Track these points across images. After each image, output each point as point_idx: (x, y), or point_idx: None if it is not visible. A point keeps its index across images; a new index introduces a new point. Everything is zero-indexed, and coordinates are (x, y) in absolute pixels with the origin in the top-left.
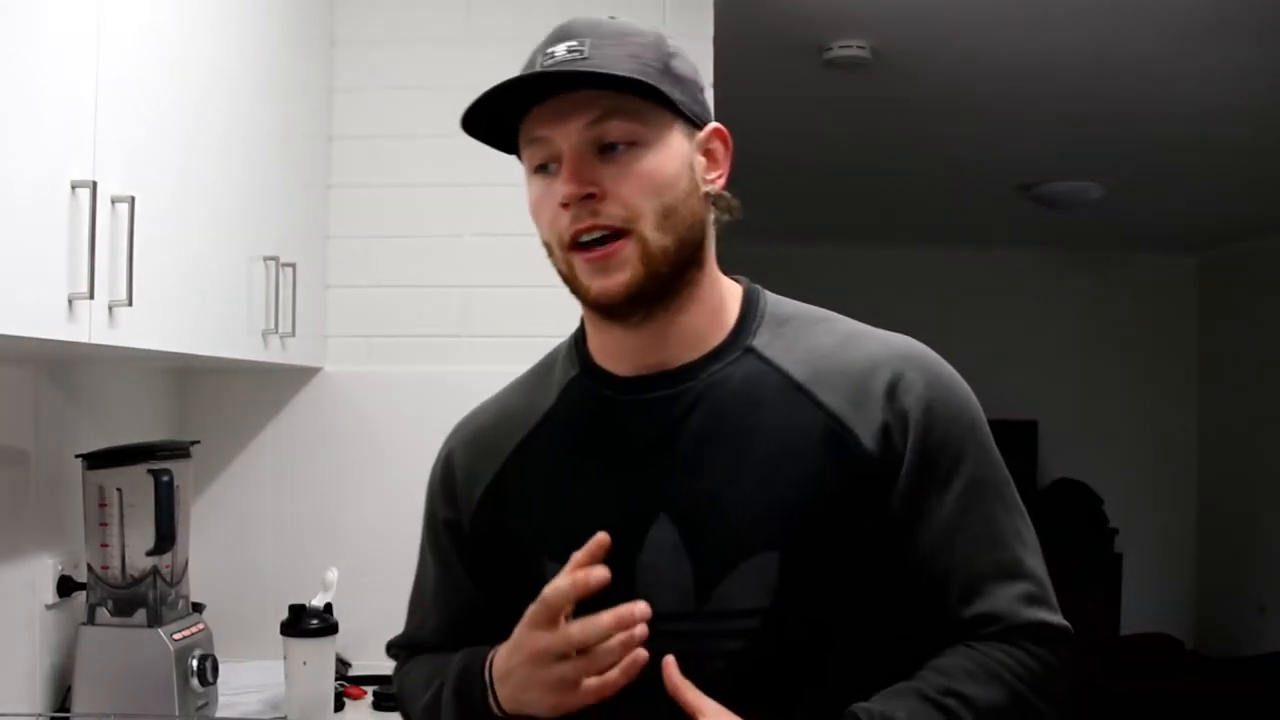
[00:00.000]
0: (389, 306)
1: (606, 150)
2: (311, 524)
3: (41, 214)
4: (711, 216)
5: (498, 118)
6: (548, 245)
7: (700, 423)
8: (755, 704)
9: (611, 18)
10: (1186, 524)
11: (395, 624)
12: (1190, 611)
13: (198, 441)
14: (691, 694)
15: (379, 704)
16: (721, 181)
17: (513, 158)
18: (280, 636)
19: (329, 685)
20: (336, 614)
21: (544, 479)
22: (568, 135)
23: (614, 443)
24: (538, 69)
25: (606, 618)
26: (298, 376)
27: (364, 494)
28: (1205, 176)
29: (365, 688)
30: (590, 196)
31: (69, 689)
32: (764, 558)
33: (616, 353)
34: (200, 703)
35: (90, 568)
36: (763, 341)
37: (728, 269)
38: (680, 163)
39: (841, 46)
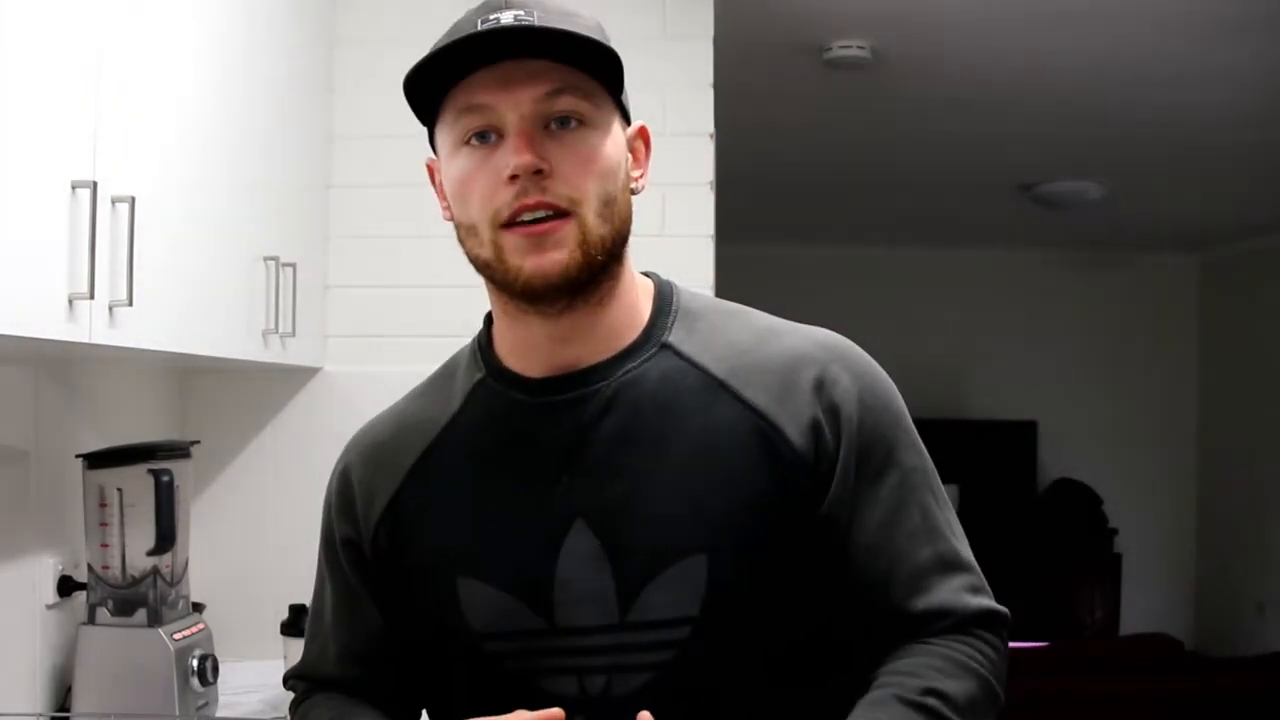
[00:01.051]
0: (389, 306)
1: (554, 127)
2: (312, 524)
3: (41, 214)
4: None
5: (428, 82)
6: (470, 227)
7: (615, 424)
8: (685, 717)
9: None
10: (1186, 524)
11: None
12: (1190, 611)
13: (198, 441)
14: None
15: None
16: (644, 182)
17: None
18: (280, 637)
19: None
20: None
21: (450, 491)
22: (518, 105)
23: (524, 449)
24: (480, 31)
25: None
26: (298, 376)
27: None
28: (1206, 177)
29: None
30: (539, 172)
31: (69, 689)
32: (690, 561)
33: (528, 351)
34: (200, 703)
35: (90, 568)
36: (678, 338)
37: (727, 269)
38: (621, 152)
39: (841, 46)
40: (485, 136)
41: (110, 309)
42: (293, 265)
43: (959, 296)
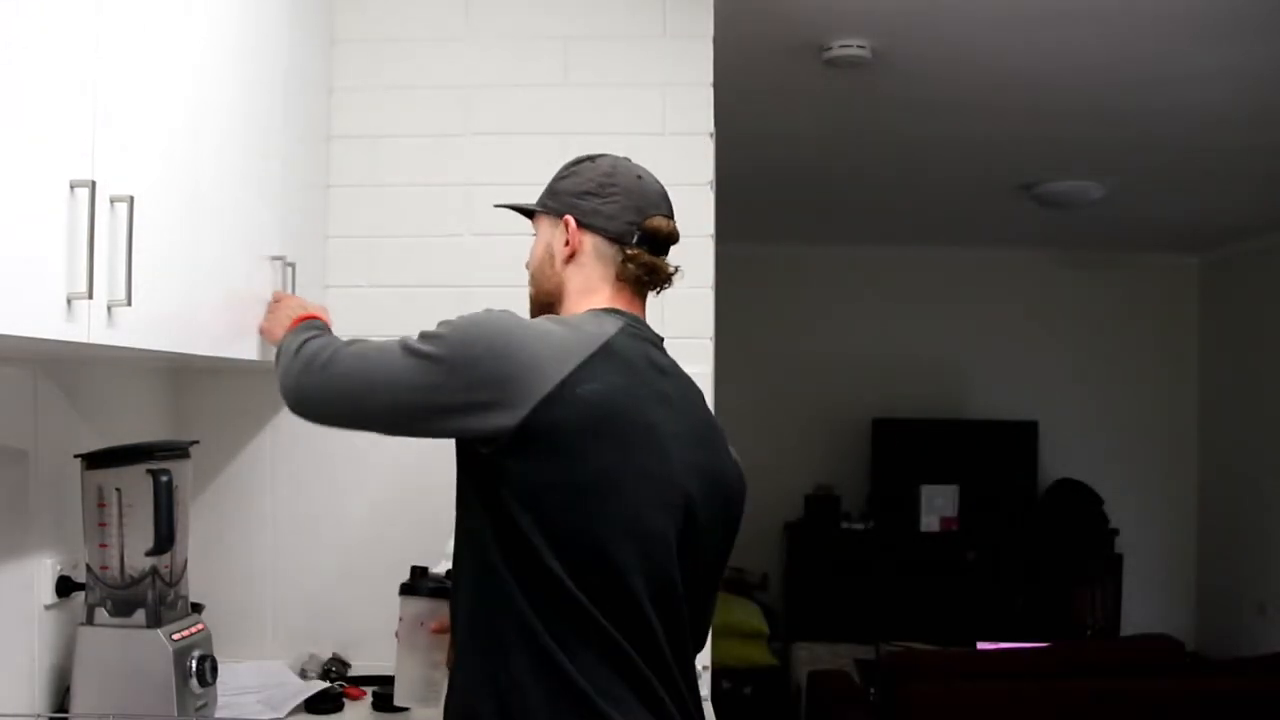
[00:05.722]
0: (389, 306)
1: None
2: (311, 524)
3: (40, 214)
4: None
5: None
6: None
7: None
8: None
9: None
10: (1186, 524)
11: (394, 624)
12: (1190, 612)
13: (197, 441)
14: None
15: (379, 704)
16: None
17: (507, 160)
18: (280, 637)
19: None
20: (336, 614)
21: None
22: None
23: None
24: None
25: None
26: None
27: (363, 494)
28: (1205, 176)
29: (365, 688)
30: None
31: (68, 689)
32: None
33: None
34: (199, 703)
35: (89, 568)
36: None
37: (727, 268)
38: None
39: (841, 46)
40: None
41: (109, 309)
42: (293, 265)
43: (959, 296)
